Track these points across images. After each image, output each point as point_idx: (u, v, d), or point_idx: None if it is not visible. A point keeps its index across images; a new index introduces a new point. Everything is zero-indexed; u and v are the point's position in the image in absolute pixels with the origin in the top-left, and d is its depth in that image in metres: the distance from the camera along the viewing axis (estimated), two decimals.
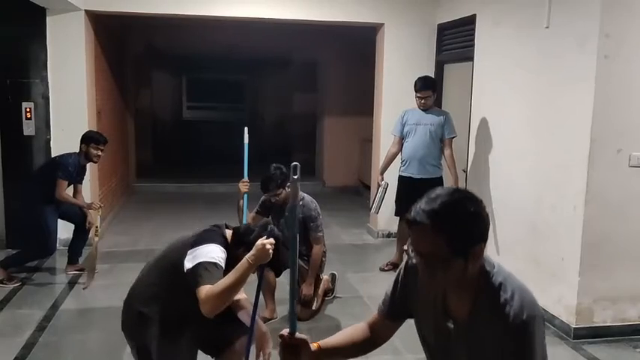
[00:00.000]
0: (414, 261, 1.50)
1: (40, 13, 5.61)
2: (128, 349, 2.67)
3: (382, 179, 5.41)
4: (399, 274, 1.70)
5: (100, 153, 4.91)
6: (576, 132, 3.89)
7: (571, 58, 3.97)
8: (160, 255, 2.61)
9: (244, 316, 2.60)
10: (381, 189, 5.40)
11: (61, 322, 4.14)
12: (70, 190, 4.97)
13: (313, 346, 1.64)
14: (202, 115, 12.33)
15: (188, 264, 2.33)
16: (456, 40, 6.01)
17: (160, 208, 8.00)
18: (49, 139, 5.78)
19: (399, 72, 6.31)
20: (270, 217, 4.19)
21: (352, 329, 1.78)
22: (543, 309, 2.30)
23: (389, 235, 6.44)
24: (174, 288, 2.44)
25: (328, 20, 6.28)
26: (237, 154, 4.47)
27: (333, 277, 4.77)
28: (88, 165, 5.14)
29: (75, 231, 5.16)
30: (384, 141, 6.14)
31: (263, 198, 4.24)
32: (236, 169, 4.63)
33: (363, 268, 5.64)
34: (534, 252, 4.36)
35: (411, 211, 1.44)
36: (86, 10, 5.75)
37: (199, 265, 2.30)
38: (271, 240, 2.33)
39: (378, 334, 1.76)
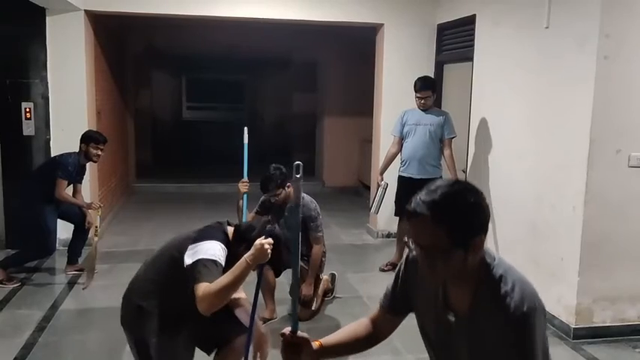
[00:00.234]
0: (414, 253, 1.50)
1: (40, 13, 5.61)
2: (128, 348, 2.67)
3: (382, 179, 5.41)
4: (399, 268, 1.70)
5: (99, 152, 4.90)
6: (576, 132, 3.89)
7: (571, 59, 3.97)
8: (160, 250, 2.61)
9: (242, 315, 2.60)
10: (380, 189, 5.40)
11: (61, 323, 4.14)
12: (69, 190, 4.97)
13: (315, 344, 1.65)
14: (202, 115, 12.33)
15: (188, 259, 2.34)
16: (455, 41, 6.01)
17: (159, 209, 8.00)
18: (49, 139, 5.77)
19: (398, 72, 6.30)
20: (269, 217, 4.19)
21: (355, 324, 1.78)
22: None
23: (389, 236, 6.44)
24: (173, 282, 2.44)
25: (328, 20, 6.28)
26: (237, 154, 4.47)
27: (332, 277, 4.78)
28: (88, 165, 5.14)
29: (74, 231, 5.16)
30: (384, 141, 6.14)
31: (263, 198, 4.24)
32: (236, 169, 4.64)
33: (362, 268, 5.64)
34: (534, 252, 4.36)
35: (411, 203, 1.44)
36: (86, 10, 5.75)
37: (199, 262, 2.30)
38: (270, 240, 2.33)
39: (380, 329, 1.76)
